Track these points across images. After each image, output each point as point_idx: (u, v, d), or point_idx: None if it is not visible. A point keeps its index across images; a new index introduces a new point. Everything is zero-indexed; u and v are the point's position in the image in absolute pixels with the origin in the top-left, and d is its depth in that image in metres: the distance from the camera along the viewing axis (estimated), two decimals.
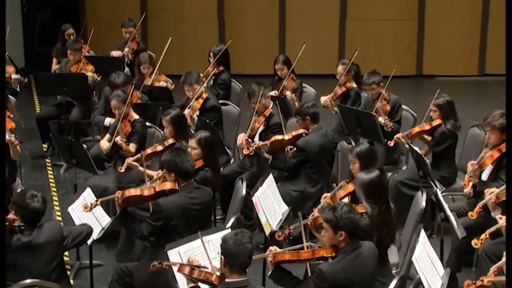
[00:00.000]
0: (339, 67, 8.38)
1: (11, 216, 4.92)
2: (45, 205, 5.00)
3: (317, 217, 5.27)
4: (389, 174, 7.35)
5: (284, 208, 6.14)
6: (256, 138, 7.34)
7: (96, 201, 5.55)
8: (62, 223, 7.38)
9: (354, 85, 8.29)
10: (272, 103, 7.55)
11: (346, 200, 5.61)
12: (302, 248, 4.86)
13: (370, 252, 4.78)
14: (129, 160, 6.72)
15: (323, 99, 8.34)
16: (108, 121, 8.00)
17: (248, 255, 4.34)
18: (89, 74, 9.08)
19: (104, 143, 7.20)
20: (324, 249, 4.78)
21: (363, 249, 4.73)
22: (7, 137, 6.75)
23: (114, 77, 8.00)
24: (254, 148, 7.05)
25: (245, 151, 7.14)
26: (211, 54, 9.06)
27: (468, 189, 6.20)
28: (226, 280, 4.38)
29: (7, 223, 4.87)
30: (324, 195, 5.95)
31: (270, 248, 4.88)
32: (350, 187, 5.72)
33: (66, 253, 6.79)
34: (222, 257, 4.36)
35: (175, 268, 4.69)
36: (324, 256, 4.76)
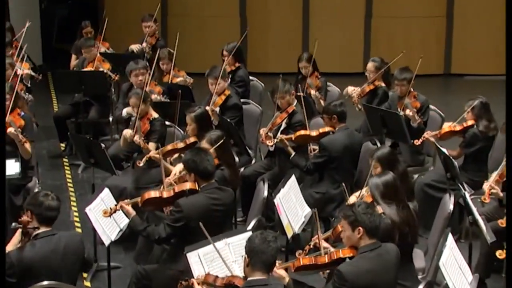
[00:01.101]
0: (369, 64, 8.36)
1: (25, 218, 4.90)
2: (59, 202, 4.98)
3: (336, 227, 5.25)
4: (415, 176, 7.32)
5: (307, 210, 6.13)
6: (278, 135, 7.32)
7: (116, 205, 5.55)
8: (80, 225, 7.45)
9: (383, 84, 8.25)
10: (296, 101, 7.54)
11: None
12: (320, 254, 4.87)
13: (392, 254, 4.75)
14: (151, 154, 6.74)
15: (349, 88, 8.31)
16: (125, 111, 7.96)
17: (272, 253, 4.36)
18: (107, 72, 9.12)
19: (127, 131, 7.19)
20: (343, 250, 4.76)
21: (384, 250, 4.71)
22: (12, 130, 6.75)
23: (132, 63, 8.11)
24: (278, 140, 7.04)
25: (269, 142, 7.14)
26: (224, 52, 9.06)
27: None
28: (248, 278, 4.40)
29: (21, 225, 4.88)
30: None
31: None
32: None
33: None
34: (246, 256, 4.38)
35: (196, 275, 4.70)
36: (342, 258, 4.74)
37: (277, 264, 4.57)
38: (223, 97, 7.90)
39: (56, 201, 4.95)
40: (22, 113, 7.09)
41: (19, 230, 4.90)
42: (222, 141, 6.25)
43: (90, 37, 9.68)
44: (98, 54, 9.41)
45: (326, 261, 4.79)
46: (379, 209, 5.18)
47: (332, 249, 4.94)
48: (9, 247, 4.90)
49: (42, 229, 4.89)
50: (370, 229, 4.67)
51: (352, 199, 5.81)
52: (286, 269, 4.81)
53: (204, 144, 6.28)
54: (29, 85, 8.95)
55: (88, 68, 9.27)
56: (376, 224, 4.71)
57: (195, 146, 6.61)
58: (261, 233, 4.41)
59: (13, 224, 4.95)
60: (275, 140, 7.06)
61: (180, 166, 6.28)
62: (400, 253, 4.82)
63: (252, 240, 4.39)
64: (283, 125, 7.37)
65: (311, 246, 5.22)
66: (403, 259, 4.89)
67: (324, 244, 5.09)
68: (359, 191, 5.91)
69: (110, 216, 5.59)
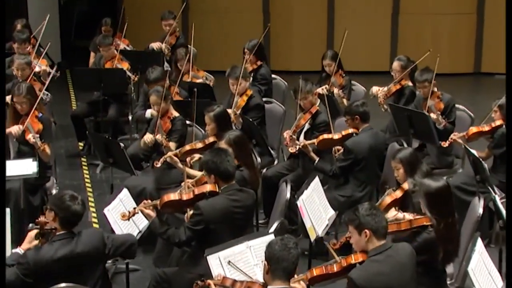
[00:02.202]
0: (395, 63, 8.33)
1: (42, 218, 4.91)
2: (84, 207, 5.00)
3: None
4: (444, 178, 7.25)
5: (331, 213, 6.11)
6: (301, 137, 7.32)
7: (135, 209, 5.55)
8: (98, 226, 7.48)
9: (410, 84, 8.21)
10: (319, 100, 7.52)
11: (393, 209, 5.55)
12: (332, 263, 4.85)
13: (403, 254, 4.70)
14: (169, 154, 6.75)
15: (375, 88, 8.28)
16: (149, 112, 8.00)
17: (293, 261, 4.33)
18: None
19: (148, 136, 7.21)
20: (355, 255, 4.74)
21: (395, 250, 4.67)
22: (31, 139, 6.78)
23: (149, 71, 8.12)
24: (300, 146, 7.02)
25: (291, 150, 7.12)
26: (246, 50, 9.06)
27: None
28: (268, 287, 4.38)
29: (38, 226, 4.90)
30: None
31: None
32: (398, 194, 5.66)
33: None
34: (266, 262, 4.36)
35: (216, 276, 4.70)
36: (353, 264, 4.72)
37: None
38: (245, 98, 7.90)
39: (82, 206, 4.95)
40: (40, 115, 7.11)
41: (33, 231, 4.92)
42: (241, 141, 6.25)
43: (108, 35, 9.71)
44: (117, 53, 9.43)
45: (336, 270, 4.74)
46: (425, 220, 5.07)
47: (338, 258, 4.91)
48: (25, 245, 4.92)
49: (62, 231, 4.90)
50: (377, 230, 4.64)
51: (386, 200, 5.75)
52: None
53: (222, 144, 6.28)
54: (47, 83, 8.98)
55: (106, 67, 9.30)
56: (383, 224, 4.67)
57: (215, 147, 6.62)
58: (282, 239, 4.38)
59: (30, 225, 4.97)
60: (298, 146, 7.03)
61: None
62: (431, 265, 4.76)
63: (272, 246, 4.36)
64: (307, 126, 7.35)
65: (348, 239, 5.21)
66: (439, 272, 4.83)
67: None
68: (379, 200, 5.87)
69: (128, 219, 5.60)
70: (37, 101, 7.06)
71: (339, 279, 4.88)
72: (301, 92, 7.32)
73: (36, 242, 4.87)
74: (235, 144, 6.23)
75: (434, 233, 5.04)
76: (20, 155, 7.02)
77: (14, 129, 6.95)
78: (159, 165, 6.79)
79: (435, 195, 5.14)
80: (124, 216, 5.55)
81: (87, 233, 5.02)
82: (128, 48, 10.40)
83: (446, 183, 5.25)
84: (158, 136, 7.04)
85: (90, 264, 4.95)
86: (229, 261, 4.75)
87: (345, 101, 8.28)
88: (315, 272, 4.77)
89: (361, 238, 4.66)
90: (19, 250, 4.91)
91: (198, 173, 6.37)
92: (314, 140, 7.03)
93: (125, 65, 9.29)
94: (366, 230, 4.63)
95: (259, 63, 9.05)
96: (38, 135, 6.85)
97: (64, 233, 4.89)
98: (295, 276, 4.51)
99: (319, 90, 8.29)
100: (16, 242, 5.36)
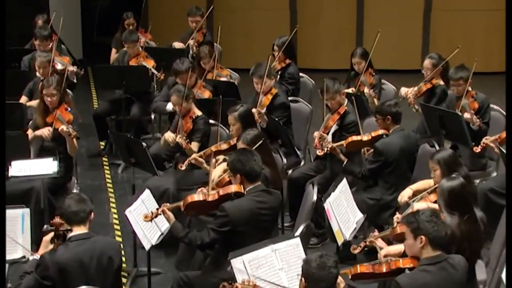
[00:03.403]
0: (426, 61, 8.28)
1: (57, 220, 4.95)
2: (84, 200, 4.99)
3: (396, 227, 5.21)
4: (477, 181, 7.22)
5: (359, 216, 6.10)
6: (329, 138, 7.30)
7: (158, 209, 5.59)
8: (120, 228, 7.52)
9: (441, 83, 8.16)
10: (347, 100, 7.50)
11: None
12: (378, 262, 4.83)
13: (458, 269, 4.64)
14: (193, 156, 6.76)
15: (403, 90, 8.24)
16: (170, 106, 8.01)
17: (332, 281, 4.27)
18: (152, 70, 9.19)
19: (170, 135, 7.22)
20: (403, 260, 4.72)
21: (450, 264, 4.61)
22: (64, 128, 6.89)
23: (178, 62, 8.14)
24: (328, 149, 7.01)
25: (319, 152, 7.10)
26: (275, 47, 9.06)
27: None
28: None
29: (53, 228, 4.93)
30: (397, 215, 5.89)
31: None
32: (432, 198, 5.64)
33: (123, 259, 6.90)
34: (303, 279, 4.30)
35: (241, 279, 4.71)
36: (401, 268, 4.70)
37: None
38: (269, 97, 7.90)
39: (80, 201, 4.95)
40: (69, 109, 7.22)
41: (47, 236, 4.96)
42: (258, 140, 6.25)
43: (134, 30, 9.75)
44: (142, 50, 9.47)
45: (385, 270, 4.75)
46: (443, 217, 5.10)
47: (392, 251, 4.90)
48: (41, 250, 4.98)
49: (76, 231, 4.93)
50: (434, 239, 4.59)
51: (418, 205, 5.72)
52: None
53: (240, 144, 6.29)
54: (75, 81, 9.06)
55: (131, 64, 9.34)
56: (442, 235, 4.62)
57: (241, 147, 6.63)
58: (321, 257, 4.29)
59: (45, 226, 5.01)
60: (325, 149, 7.02)
61: (220, 169, 6.29)
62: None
63: (309, 263, 4.27)
64: (334, 127, 7.33)
65: (367, 243, 5.19)
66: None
67: (379, 243, 5.06)
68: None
69: (151, 220, 5.63)
70: (62, 89, 7.14)
71: (380, 280, 4.87)
72: (328, 92, 7.30)
73: (51, 246, 4.92)
74: (253, 143, 6.24)
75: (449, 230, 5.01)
76: (43, 151, 7.09)
77: (44, 132, 7.03)
78: (183, 168, 6.81)
79: (448, 194, 5.15)
80: (147, 217, 5.58)
81: (107, 239, 5.10)
82: (151, 43, 10.43)
83: (460, 182, 5.22)
84: (178, 138, 7.06)
85: (100, 270, 4.93)
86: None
87: (375, 101, 8.24)
88: (360, 269, 4.77)
89: (415, 244, 4.62)
90: (36, 256, 4.96)
91: (214, 172, 6.39)
92: (343, 142, 7.01)
93: (150, 63, 9.32)
94: (423, 237, 4.59)
95: (287, 61, 9.05)
96: (70, 125, 6.97)
97: (80, 234, 4.92)
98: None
99: (348, 90, 8.28)
100: (36, 243, 5.41)
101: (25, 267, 4.95)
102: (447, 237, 4.69)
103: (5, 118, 7.37)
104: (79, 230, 4.93)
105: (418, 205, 5.71)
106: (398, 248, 5.05)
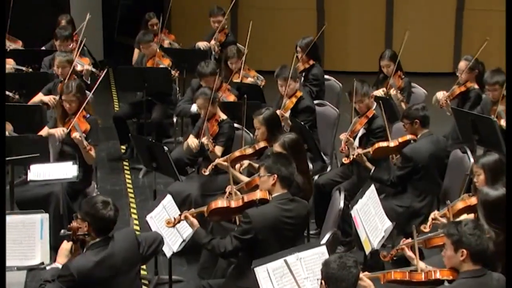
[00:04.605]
0: (461, 63, 8.26)
1: (74, 224, 4.98)
2: (117, 211, 5.06)
3: (431, 238, 5.19)
4: (503, 187, 7.17)
5: (387, 224, 6.09)
6: (356, 142, 7.30)
7: (180, 215, 5.62)
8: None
9: (476, 86, 8.14)
10: (375, 104, 7.50)
11: (465, 215, 5.50)
12: (415, 270, 4.82)
13: (499, 285, 4.60)
14: (218, 161, 6.79)
15: (439, 94, 8.20)
16: (194, 107, 8.03)
17: (352, 281, 4.27)
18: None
19: (193, 140, 7.25)
20: (441, 271, 4.71)
21: (489, 280, 4.57)
22: (77, 136, 6.92)
23: (203, 65, 8.18)
24: (354, 156, 7.00)
25: (345, 160, 7.10)
26: (298, 48, 9.08)
27: None
28: None
29: (71, 232, 4.97)
30: (433, 213, 5.87)
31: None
32: (473, 201, 5.60)
33: (144, 266, 6.94)
34: (323, 282, 4.30)
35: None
36: (439, 279, 4.69)
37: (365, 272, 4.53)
38: (294, 100, 7.91)
39: (115, 211, 5.01)
40: (88, 115, 7.24)
41: (65, 244, 5.00)
42: (296, 145, 6.26)
43: (149, 32, 9.80)
44: (159, 49, 9.50)
45: (423, 279, 4.74)
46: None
47: (429, 267, 4.89)
48: (61, 258, 5.00)
49: (97, 238, 4.97)
50: (475, 253, 4.56)
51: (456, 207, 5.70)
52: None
53: (276, 147, 6.31)
54: (89, 82, 9.13)
55: (148, 65, 9.40)
56: (484, 248, 4.58)
57: (266, 152, 6.65)
58: (340, 257, 4.31)
59: (62, 231, 5.05)
60: (352, 156, 7.01)
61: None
62: None
63: (329, 265, 4.29)
64: (362, 131, 7.32)
65: (399, 250, 5.18)
66: None
67: (409, 253, 5.06)
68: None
69: (173, 226, 5.66)
70: (86, 101, 7.18)
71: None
72: (356, 95, 7.30)
73: (70, 255, 4.96)
74: (290, 148, 6.25)
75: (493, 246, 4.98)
76: (62, 156, 7.13)
77: (58, 131, 7.08)
78: (207, 172, 6.83)
79: (494, 205, 5.09)
80: (169, 222, 5.61)
81: (120, 235, 5.09)
82: (174, 44, 10.48)
83: (500, 192, 5.16)
84: (204, 140, 7.08)
85: (126, 266, 5.00)
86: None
87: (403, 104, 8.23)
88: (395, 275, 4.76)
89: (456, 256, 4.60)
90: (55, 264, 4.99)
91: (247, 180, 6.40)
92: (369, 149, 7.00)
93: (166, 62, 9.37)
94: (464, 250, 4.57)
95: (311, 62, 9.06)
96: (84, 135, 6.99)
97: (100, 241, 4.96)
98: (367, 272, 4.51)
99: (377, 92, 8.27)
100: (55, 249, 5.45)
101: (45, 275, 4.98)
102: (489, 252, 4.66)
103: (25, 120, 7.47)
104: (100, 238, 4.98)
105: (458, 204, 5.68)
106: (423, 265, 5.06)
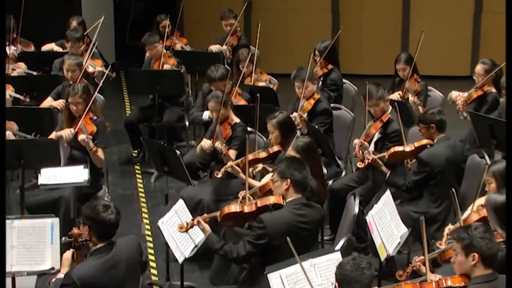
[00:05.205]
0: (478, 66, 8.23)
1: (75, 230, 4.99)
2: (119, 215, 5.04)
3: (445, 250, 5.17)
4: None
5: (403, 230, 6.07)
6: (371, 147, 7.29)
7: (193, 220, 5.63)
8: (152, 239, 7.56)
9: (493, 90, 8.11)
10: (390, 107, 7.48)
11: None
12: (425, 280, 4.81)
13: None
14: (230, 164, 6.79)
15: (454, 93, 8.18)
16: (206, 114, 8.05)
17: (366, 282, 4.30)
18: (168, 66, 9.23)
19: (206, 142, 7.26)
20: (452, 279, 4.69)
21: (500, 283, 4.57)
22: (84, 138, 6.93)
23: (212, 70, 8.19)
24: (370, 161, 6.99)
25: (360, 165, 7.09)
26: (317, 52, 9.07)
27: None
28: None
29: (72, 239, 4.97)
30: (447, 227, 5.86)
31: None
32: (486, 212, 5.58)
33: (155, 271, 6.95)
34: (336, 284, 4.33)
35: None
36: (451, 287, 4.68)
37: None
38: (312, 102, 7.91)
39: (116, 215, 4.99)
40: (95, 117, 7.25)
41: (67, 253, 5.00)
42: (310, 148, 6.25)
43: (155, 33, 9.82)
44: (169, 52, 9.51)
45: None
46: (498, 236, 5.03)
47: (438, 276, 4.87)
48: (64, 269, 5.00)
49: (99, 244, 4.96)
50: (487, 257, 4.56)
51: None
52: None
53: (290, 151, 6.31)
54: (101, 84, 9.14)
55: (155, 67, 9.41)
56: (494, 252, 4.58)
57: (280, 156, 6.65)
58: (353, 259, 4.35)
59: (63, 238, 5.06)
60: (367, 161, 7.00)
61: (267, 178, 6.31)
62: None
63: (343, 266, 4.33)
64: (377, 136, 7.31)
65: (414, 268, 5.17)
66: None
67: (423, 270, 5.04)
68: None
69: (186, 231, 5.67)
70: (91, 101, 7.19)
71: None
72: (371, 99, 7.29)
73: (73, 264, 4.97)
74: (304, 152, 6.26)
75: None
76: (71, 160, 7.15)
77: (65, 132, 7.10)
78: (219, 176, 6.83)
79: (502, 209, 5.08)
80: (182, 227, 5.61)
81: (123, 241, 5.09)
82: (186, 48, 10.50)
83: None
84: (218, 144, 7.09)
85: (129, 273, 5.00)
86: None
87: (420, 108, 8.21)
88: (405, 287, 4.74)
89: (467, 261, 4.60)
90: (60, 275, 4.99)
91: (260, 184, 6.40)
92: (385, 154, 6.99)
93: (171, 62, 9.38)
94: (475, 254, 4.56)
95: (329, 67, 9.05)
96: (91, 137, 7.00)
97: (102, 247, 4.95)
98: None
99: (393, 96, 8.25)
100: None
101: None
102: (500, 255, 4.65)
103: (35, 123, 7.49)
104: (102, 243, 4.97)
105: (473, 217, 5.67)
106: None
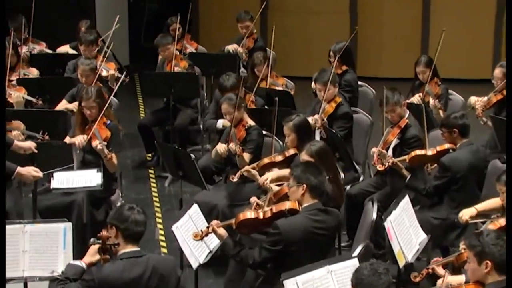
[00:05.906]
0: (497, 70, 8.20)
1: (104, 233, 5.00)
2: (145, 217, 5.07)
3: (462, 253, 5.16)
4: None
5: (422, 236, 6.06)
6: (390, 153, 7.26)
7: (208, 228, 5.64)
8: (166, 245, 7.58)
9: None
10: (408, 112, 7.46)
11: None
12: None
13: None
14: (246, 168, 6.80)
15: (473, 99, 8.15)
16: (221, 122, 8.09)
17: (383, 287, 4.31)
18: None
19: (221, 146, 7.27)
20: (466, 286, 4.69)
21: None
22: (98, 146, 6.94)
23: (224, 78, 8.19)
24: (390, 164, 6.97)
25: (379, 167, 7.07)
26: (331, 53, 9.07)
27: None
28: None
29: (100, 241, 4.99)
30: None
31: None
32: (502, 222, 5.57)
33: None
34: None
35: None
36: None
37: None
38: (333, 105, 7.91)
39: (142, 215, 5.03)
40: (109, 122, 7.25)
41: (93, 247, 5.02)
42: (324, 152, 6.25)
43: (166, 35, 9.83)
44: (178, 53, 9.53)
45: None
46: None
47: (453, 283, 4.86)
48: (87, 258, 5.00)
49: (128, 248, 4.97)
50: (500, 263, 4.55)
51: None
52: None
53: (303, 155, 6.31)
54: (115, 88, 9.16)
55: (167, 69, 9.43)
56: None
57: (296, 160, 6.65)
58: (371, 264, 4.37)
59: (92, 239, 5.07)
60: (387, 164, 6.98)
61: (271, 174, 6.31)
62: None
63: (360, 271, 4.35)
64: (395, 141, 7.29)
65: (430, 271, 5.16)
66: None
67: (440, 270, 5.03)
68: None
69: (201, 239, 5.68)
70: (106, 106, 7.21)
71: None
72: (388, 104, 7.27)
73: (98, 257, 4.98)
74: (317, 156, 6.26)
75: None
76: (84, 164, 7.17)
77: (78, 139, 7.11)
78: (235, 179, 6.85)
79: None
80: (196, 236, 5.63)
81: (158, 258, 5.08)
82: (195, 52, 10.50)
83: None
84: (232, 145, 7.10)
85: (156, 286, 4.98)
86: None
87: (441, 112, 8.18)
88: None
89: (480, 269, 4.59)
90: (80, 262, 4.99)
91: (276, 188, 6.40)
92: (406, 157, 6.97)
93: (182, 64, 9.39)
94: (488, 261, 4.56)
95: (344, 68, 9.04)
96: (105, 143, 7.01)
97: (131, 252, 4.96)
98: None
99: (413, 99, 8.23)
100: (78, 258, 5.47)
101: (66, 270, 4.98)
102: None
103: (49, 126, 7.52)
104: (130, 248, 4.98)
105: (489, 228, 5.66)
106: (459, 279, 5.01)
